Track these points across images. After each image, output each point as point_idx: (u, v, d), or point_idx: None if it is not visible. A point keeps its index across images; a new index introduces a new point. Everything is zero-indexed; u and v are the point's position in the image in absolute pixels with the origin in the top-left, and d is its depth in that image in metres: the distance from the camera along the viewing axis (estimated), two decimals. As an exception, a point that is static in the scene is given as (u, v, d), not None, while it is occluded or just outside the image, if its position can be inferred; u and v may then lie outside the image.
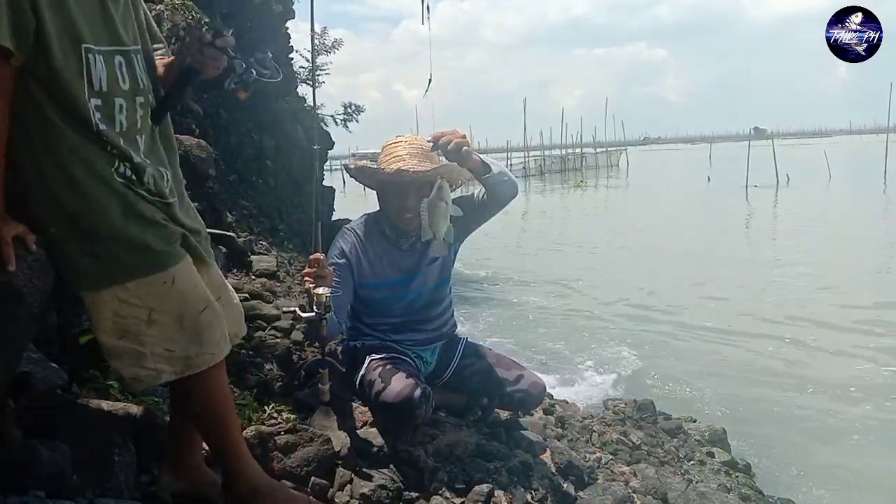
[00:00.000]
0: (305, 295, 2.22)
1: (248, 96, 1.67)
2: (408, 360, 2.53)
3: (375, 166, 2.51)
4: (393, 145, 2.49)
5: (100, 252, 1.35)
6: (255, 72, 1.60)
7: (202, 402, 1.52)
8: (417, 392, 2.26)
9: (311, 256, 2.22)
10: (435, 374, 2.68)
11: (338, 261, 2.43)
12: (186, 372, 1.43)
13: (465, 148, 2.28)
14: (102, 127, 1.36)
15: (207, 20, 4.96)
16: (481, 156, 2.40)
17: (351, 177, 2.63)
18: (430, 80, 2.69)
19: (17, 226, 1.28)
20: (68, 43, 1.31)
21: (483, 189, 2.49)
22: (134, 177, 1.41)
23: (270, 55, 1.63)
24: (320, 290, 2.14)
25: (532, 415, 3.11)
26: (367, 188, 2.69)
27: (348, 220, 2.73)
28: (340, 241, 2.52)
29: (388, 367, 2.39)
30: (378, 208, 2.59)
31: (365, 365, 2.45)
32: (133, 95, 1.45)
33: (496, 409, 2.82)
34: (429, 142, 2.35)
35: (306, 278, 2.18)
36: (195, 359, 1.43)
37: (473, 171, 2.39)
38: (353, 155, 2.82)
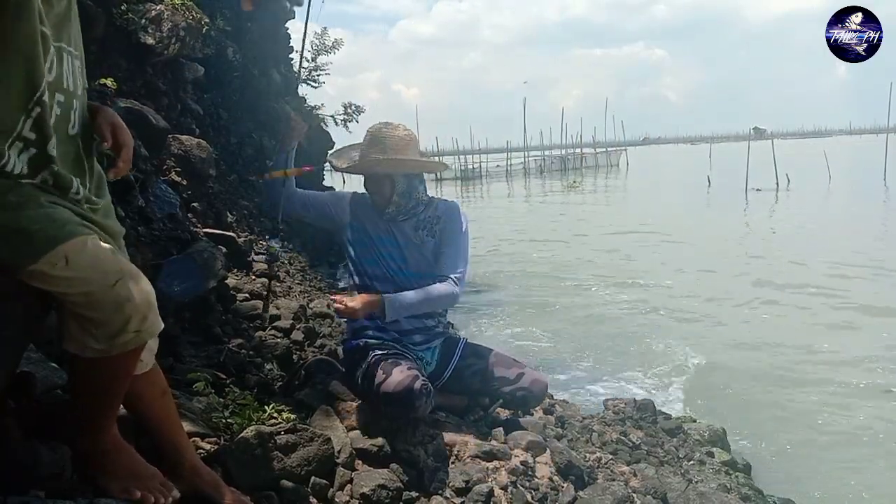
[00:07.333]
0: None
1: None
2: (409, 357, 2.55)
3: (356, 153, 2.70)
4: (379, 136, 2.61)
5: None
6: None
7: (109, 377, 1.40)
8: (418, 383, 2.28)
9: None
10: (435, 374, 2.68)
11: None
12: (113, 351, 1.31)
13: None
14: None
15: (207, 20, 4.95)
16: (406, 303, 2.55)
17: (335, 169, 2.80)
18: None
19: None
20: None
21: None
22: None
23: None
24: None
25: (532, 414, 3.11)
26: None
27: None
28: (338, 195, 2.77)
29: (389, 360, 2.42)
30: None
31: (367, 360, 2.47)
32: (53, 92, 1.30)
33: (497, 410, 2.82)
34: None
35: None
36: (119, 337, 1.31)
37: None
38: (336, 152, 2.98)
